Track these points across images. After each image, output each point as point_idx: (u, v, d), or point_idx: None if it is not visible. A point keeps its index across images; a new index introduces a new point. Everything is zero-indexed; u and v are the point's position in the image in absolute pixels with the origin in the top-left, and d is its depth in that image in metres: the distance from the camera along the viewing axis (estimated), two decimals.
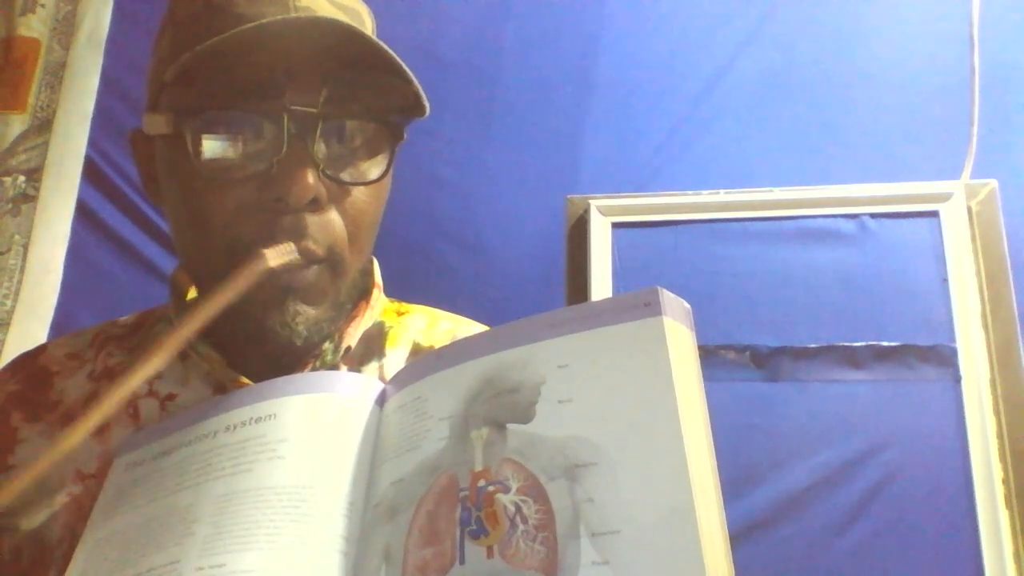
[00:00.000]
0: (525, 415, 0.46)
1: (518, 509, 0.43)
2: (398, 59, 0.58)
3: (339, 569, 0.48)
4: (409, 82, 0.58)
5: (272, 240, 0.58)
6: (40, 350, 0.71)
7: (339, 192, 0.60)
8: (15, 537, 0.61)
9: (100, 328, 0.72)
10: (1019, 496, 1.23)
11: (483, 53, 1.64)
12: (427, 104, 0.60)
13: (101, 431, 0.63)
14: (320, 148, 0.59)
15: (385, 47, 0.57)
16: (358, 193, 0.61)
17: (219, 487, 0.51)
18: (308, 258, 0.59)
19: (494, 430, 0.46)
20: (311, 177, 0.57)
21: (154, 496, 0.54)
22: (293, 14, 0.58)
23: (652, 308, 0.46)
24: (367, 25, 0.65)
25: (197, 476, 0.53)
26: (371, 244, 0.66)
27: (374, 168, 0.62)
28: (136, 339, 0.69)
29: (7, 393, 0.68)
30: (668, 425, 0.42)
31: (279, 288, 0.59)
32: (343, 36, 0.57)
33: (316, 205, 0.59)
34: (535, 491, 0.43)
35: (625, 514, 0.40)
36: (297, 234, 0.58)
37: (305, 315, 0.60)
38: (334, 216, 0.60)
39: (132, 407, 0.64)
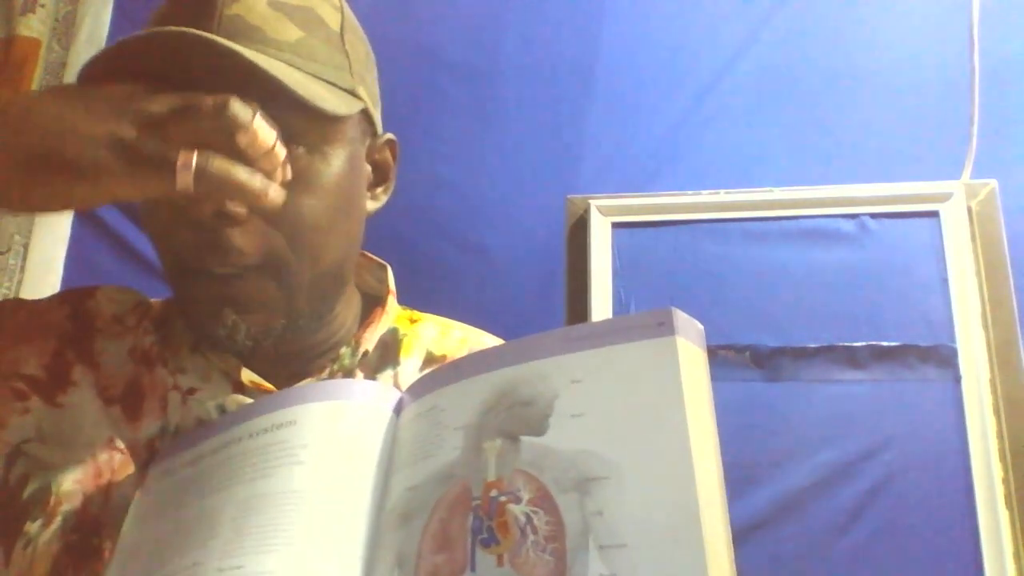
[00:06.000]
0: (538, 428, 0.47)
1: (529, 520, 0.44)
2: (278, 78, 0.54)
3: (354, 572, 0.49)
4: (297, 99, 0.55)
5: (199, 253, 0.58)
6: (90, 294, 0.70)
7: None
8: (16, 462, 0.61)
9: (140, 299, 0.72)
10: (1019, 496, 1.24)
11: (483, 53, 1.64)
12: (327, 108, 0.57)
13: (135, 419, 0.64)
14: None
15: (266, 69, 0.54)
16: (293, 198, 0.58)
17: (241, 491, 0.53)
18: (237, 268, 0.59)
19: (507, 441, 0.47)
20: None
21: (183, 501, 0.55)
22: (210, 30, 0.56)
23: (665, 328, 0.46)
24: (326, 19, 0.62)
25: (222, 481, 0.54)
26: (330, 250, 0.63)
27: (322, 168, 0.60)
28: (164, 330, 0.69)
29: (61, 324, 0.67)
30: (678, 443, 0.43)
31: (213, 298, 0.60)
32: (227, 62, 0.54)
33: (229, 218, 0.57)
34: (546, 503, 0.44)
35: (633, 528, 0.41)
36: (220, 247, 0.58)
37: (247, 323, 0.60)
38: (260, 225, 0.58)
39: (161, 400, 0.65)
